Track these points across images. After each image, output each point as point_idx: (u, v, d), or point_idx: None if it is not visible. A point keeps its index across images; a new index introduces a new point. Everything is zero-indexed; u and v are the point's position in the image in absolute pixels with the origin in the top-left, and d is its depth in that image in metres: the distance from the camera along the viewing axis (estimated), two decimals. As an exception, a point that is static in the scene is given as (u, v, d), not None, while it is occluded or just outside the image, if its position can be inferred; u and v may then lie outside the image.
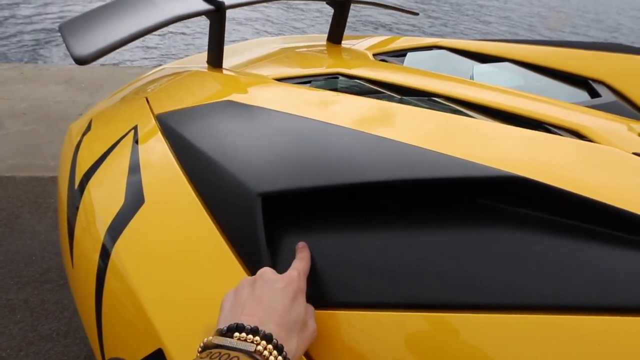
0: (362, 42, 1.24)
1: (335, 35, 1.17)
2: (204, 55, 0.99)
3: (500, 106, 0.65)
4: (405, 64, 1.04)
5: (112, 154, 0.65)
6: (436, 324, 0.34)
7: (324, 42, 1.20)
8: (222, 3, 0.82)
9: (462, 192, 0.43)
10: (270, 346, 0.30)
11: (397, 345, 0.34)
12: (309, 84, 0.82)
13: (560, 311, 0.32)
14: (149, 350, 0.42)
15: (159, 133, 0.63)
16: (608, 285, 0.32)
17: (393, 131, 0.52)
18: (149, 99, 0.77)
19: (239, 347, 0.30)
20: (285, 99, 0.68)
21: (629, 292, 0.32)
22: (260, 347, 0.30)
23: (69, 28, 0.79)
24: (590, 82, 0.91)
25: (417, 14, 1.46)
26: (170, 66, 1.10)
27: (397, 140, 0.48)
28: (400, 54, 1.14)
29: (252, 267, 0.41)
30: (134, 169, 0.58)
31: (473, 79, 0.93)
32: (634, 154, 0.48)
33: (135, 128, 0.68)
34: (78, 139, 0.77)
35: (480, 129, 0.53)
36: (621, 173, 0.45)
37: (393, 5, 1.28)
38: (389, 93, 0.76)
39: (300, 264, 0.38)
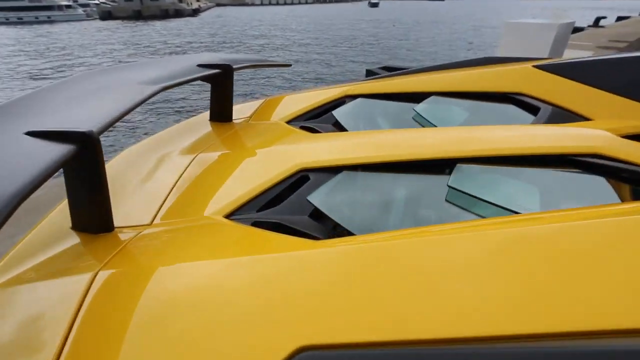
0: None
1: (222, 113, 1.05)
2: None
3: (511, 151, 0.62)
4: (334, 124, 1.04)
5: None
6: None
7: (208, 121, 1.06)
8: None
9: None
10: None
11: None
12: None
13: None
14: None
15: None
16: None
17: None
18: None
19: None
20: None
21: None
22: None
23: None
24: (511, 95, 0.93)
25: (289, 65, 1.60)
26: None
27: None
28: (313, 114, 1.09)
29: None
30: None
31: (422, 126, 0.94)
32: None
33: None
34: None
35: None
36: None
37: (269, 63, 1.42)
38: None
39: None
